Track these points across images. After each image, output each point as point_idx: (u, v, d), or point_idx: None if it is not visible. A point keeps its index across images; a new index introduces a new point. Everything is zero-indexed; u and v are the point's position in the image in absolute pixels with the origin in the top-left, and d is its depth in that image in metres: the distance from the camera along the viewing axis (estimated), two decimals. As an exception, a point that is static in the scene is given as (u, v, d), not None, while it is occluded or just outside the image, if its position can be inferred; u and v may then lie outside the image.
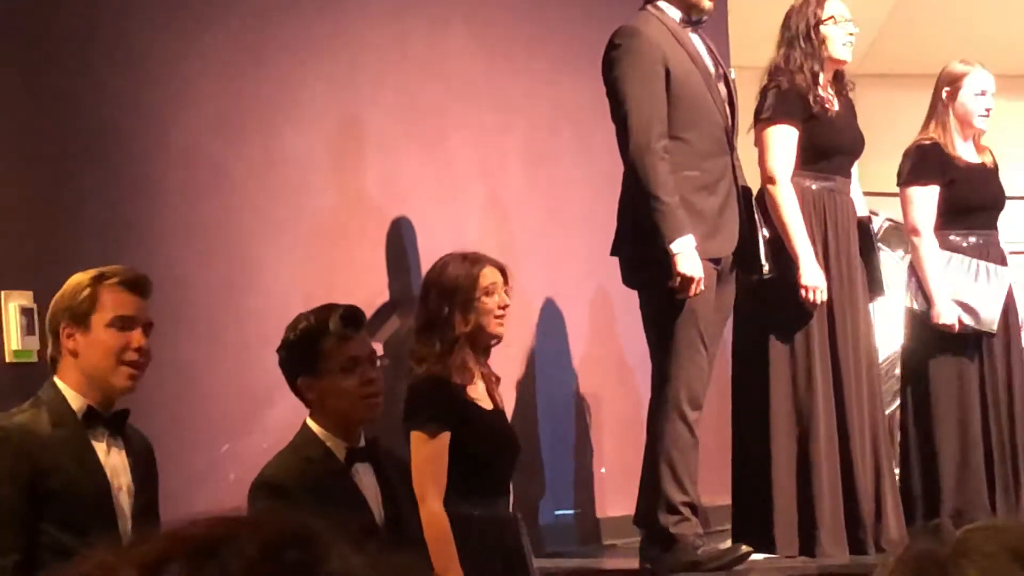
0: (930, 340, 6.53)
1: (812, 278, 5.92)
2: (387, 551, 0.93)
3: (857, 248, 6.19)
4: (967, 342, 6.53)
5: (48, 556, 3.81)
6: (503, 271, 5.26)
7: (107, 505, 3.95)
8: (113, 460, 3.99)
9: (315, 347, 4.25)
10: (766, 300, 6.00)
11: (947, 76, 6.66)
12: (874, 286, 6.27)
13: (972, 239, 6.59)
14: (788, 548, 5.95)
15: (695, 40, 5.82)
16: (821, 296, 5.94)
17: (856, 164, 6.33)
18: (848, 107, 6.27)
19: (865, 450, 6.07)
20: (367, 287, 6.04)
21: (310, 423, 4.30)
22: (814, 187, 6.12)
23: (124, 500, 3.99)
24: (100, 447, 3.98)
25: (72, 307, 3.98)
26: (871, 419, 6.13)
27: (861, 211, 6.32)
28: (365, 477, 4.29)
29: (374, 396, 4.27)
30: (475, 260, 5.24)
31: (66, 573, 0.92)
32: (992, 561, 1.18)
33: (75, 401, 3.97)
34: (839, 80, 6.25)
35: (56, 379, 4.00)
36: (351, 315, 4.30)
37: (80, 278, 4.04)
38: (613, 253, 5.80)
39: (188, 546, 0.89)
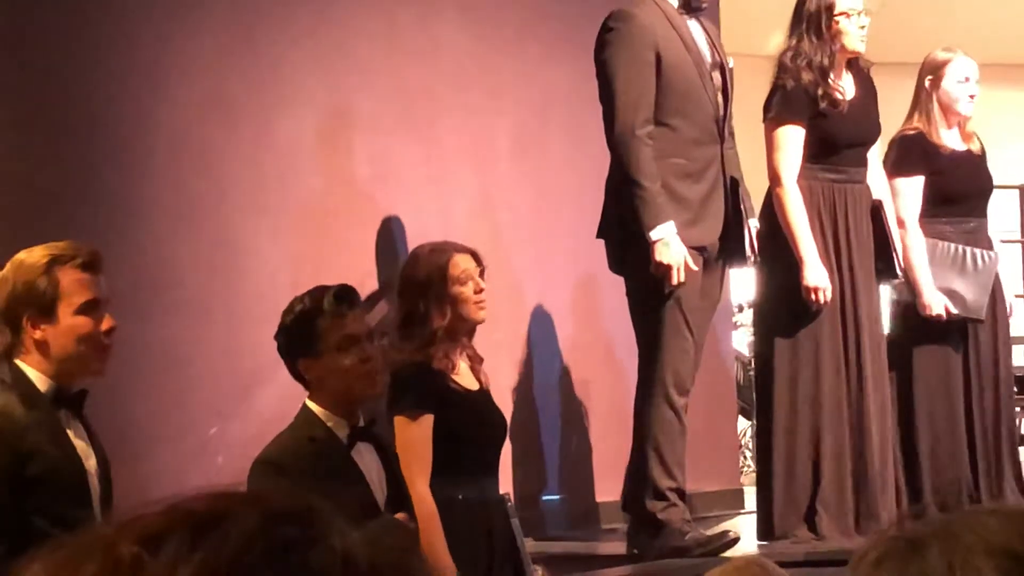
0: (915, 330, 6.54)
1: (816, 279, 5.93)
2: (385, 529, 0.93)
3: (870, 236, 6.19)
4: (952, 330, 6.54)
5: (29, 544, 3.70)
6: (475, 256, 5.25)
7: (84, 488, 3.83)
8: (79, 442, 3.86)
9: (311, 328, 4.28)
10: (775, 296, 6.08)
11: (929, 64, 6.66)
12: (889, 271, 6.26)
13: (959, 226, 6.60)
14: (785, 534, 5.98)
15: (694, 27, 5.81)
16: (824, 296, 5.95)
17: (875, 147, 6.32)
18: (866, 92, 6.24)
19: (875, 438, 6.10)
20: (356, 270, 6.03)
21: (310, 404, 4.32)
22: (824, 181, 6.12)
23: (94, 483, 3.87)
24: (68, 430, 3.84)
25: (33, 297, 3.78)
26: (880, 407, 6.14)
27: (880, 194, 6.30)
28: (367, 457, 4.32)
29: (374, 373, 4.30)
30: (442, 250, 5.22)
31: (62, 548, 0.91)
32: (960, 548, 1.17)
33: (41, 383, 3.81)
34: (853, 64, 6.23)
35: (17, 361, 3.82)
36: (344, 293, 4.34)
37: (31, 261, 3.82)
38: (599, 236, 5.80)
39: (189, 520, 0.89)
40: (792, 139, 6.04)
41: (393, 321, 5.31)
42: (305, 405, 4.33)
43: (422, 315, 5.11)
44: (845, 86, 6.16)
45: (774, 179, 6.04)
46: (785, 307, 6.06)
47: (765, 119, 6.11)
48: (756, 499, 6.26)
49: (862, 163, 6.24)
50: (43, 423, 3.78)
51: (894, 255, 6.23)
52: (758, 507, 6.19)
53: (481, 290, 5.18)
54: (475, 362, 5.22)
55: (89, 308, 3.84)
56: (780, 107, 6.06)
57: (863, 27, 6.14)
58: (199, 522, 0.89)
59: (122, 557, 0.88)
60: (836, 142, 6.11)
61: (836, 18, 6.07)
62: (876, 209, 6.24)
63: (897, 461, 6.59)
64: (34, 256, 3.84)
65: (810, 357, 6.04)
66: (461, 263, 5.17)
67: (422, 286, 5.14)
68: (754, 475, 6.60)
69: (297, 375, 4.37)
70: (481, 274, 5.22)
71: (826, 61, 6.05)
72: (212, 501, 0.91)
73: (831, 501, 5.98)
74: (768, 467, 6.06)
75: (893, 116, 6.84)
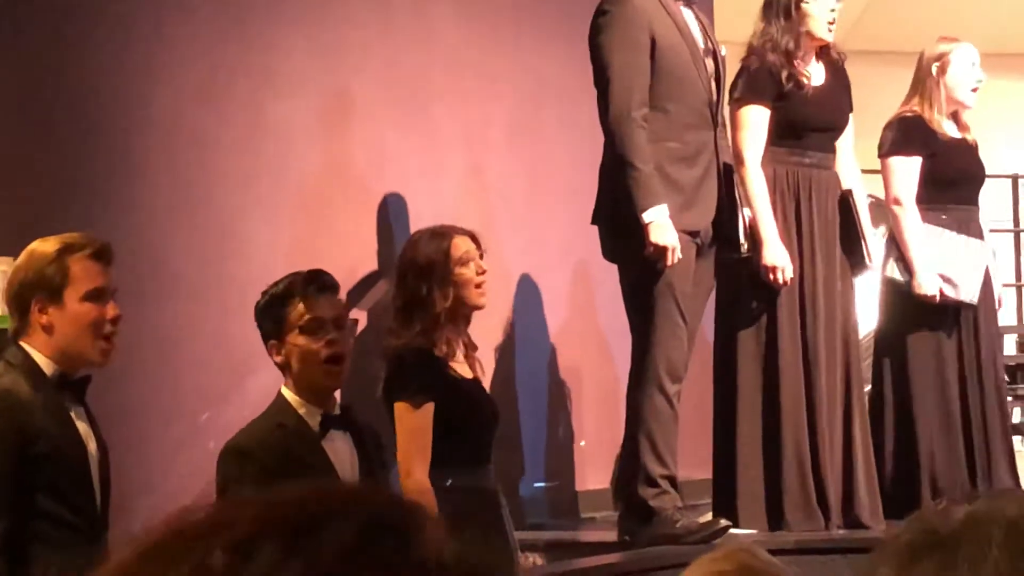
0: (908, 313, 6.54)
1: (775, 258, 5.94)
2: (480, 542, 0.92)
3: (837, 223, 6.19)
4: (946, 314, 6.55)
5: (33, 522, 3.78)
6: (475, 239, 5.24)
7: (86, 470, 3.94)
8: (81, 425, 3.97)
9: (281, 311, 4.36)
10: (740, 279, 6.04)
11: (934, 54, 6.65)
12: (856, 261, 6.26)
13: (952, 212, 6.61)
14: (753, 523, 5.98)
15: (686, 14, 5.82)
16: (785, 275, 5.95)
17: (845, 137, 6.32)
18: (837, 81, 6.26)
19: (835, 428, 6.10)
20: (350, 255, 6.03)
21: (284, 391, 4.37)
22: (789, 164, 6.13)
23: (94, 466, 3.98)
24: (71, 413, 3.95)
25: (43, 282, 3.91)
26: (846, 396, 6.15)
27: (851, 184, 6.30)
28: (340, 445, 4.32)
29: (337, 359, 4.31)
30: (443, 234, 5.21)
31: (147, 545, 0.87)
32: (988, 549, 1.17)
33: (47, 367, 3.92)
34: (826, 53, 6.24)
35: (23, 344, 3.94)
36: (316, 278, 4.41)
37: (44, 249, 3.95)
38: (593, 222, 5.80)
39: (283, 526, 0.86)
40: (756, 119, 6.06)
41: (392, 307, 5.29)
42: (279, 392, 4.38)
43: (424, 299, 5.08)
44: (813, 72, 6.18)
45: (737, 159, 6.04)
46: (746, 292, 6.06)
47: (730, 100, 6.13)
48: (714, 484, 6.19)
49: (829, 150, 6.24)
50: (48, 404, 3.89)
51: (864, 246, 6.22)
52: (718, 493, 6.14)
53: (483, 272, 5.18)
54: (470, 350, 5.21)
55: (95, 296, 3.96)
56: (744, 88, 6.10)
57: (833, 11, 6.16)
58: (294, 529, 0.86)
59: (214, 565, 0.84)
60: (801, 125, 6.13)
61: (803, 2, 6.10)
62: (845, 198, 6.24)
63: (887, 448, 6.60)
64: (47, 244, 3.98)
65: (770, 342, 6.05)
66: (462, 245, 5.17)
67: (424, 269, 5.11)
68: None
69: (270, 356, 4.43)
70: (481, 257, 5.22)
71: (792, 44, 6.08)
72: (307, 505, 0.88)
73: (794, 489, 5.99)
74: (731, 455, 6.04)
75: (884, 103, 6.84)
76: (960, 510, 1.22)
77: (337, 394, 4.49)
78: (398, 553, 0.86)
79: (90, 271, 3.95)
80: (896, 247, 6.55)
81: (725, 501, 6.04)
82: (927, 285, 6.46)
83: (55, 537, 3.80)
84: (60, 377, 3.93)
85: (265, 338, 4.41)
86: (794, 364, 6.05)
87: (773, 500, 6.00)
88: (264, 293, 4.43)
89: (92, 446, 3.98)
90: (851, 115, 6.37)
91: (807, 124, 6.14)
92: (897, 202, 6.55)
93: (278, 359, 4.37)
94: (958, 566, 1.17)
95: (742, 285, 6.05)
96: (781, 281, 5.95)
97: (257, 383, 5.41)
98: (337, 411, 4.37)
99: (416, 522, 0.89)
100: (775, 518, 6.01)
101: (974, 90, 6.63)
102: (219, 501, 0.90)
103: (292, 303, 4.34)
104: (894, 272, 6.56)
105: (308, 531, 0.85)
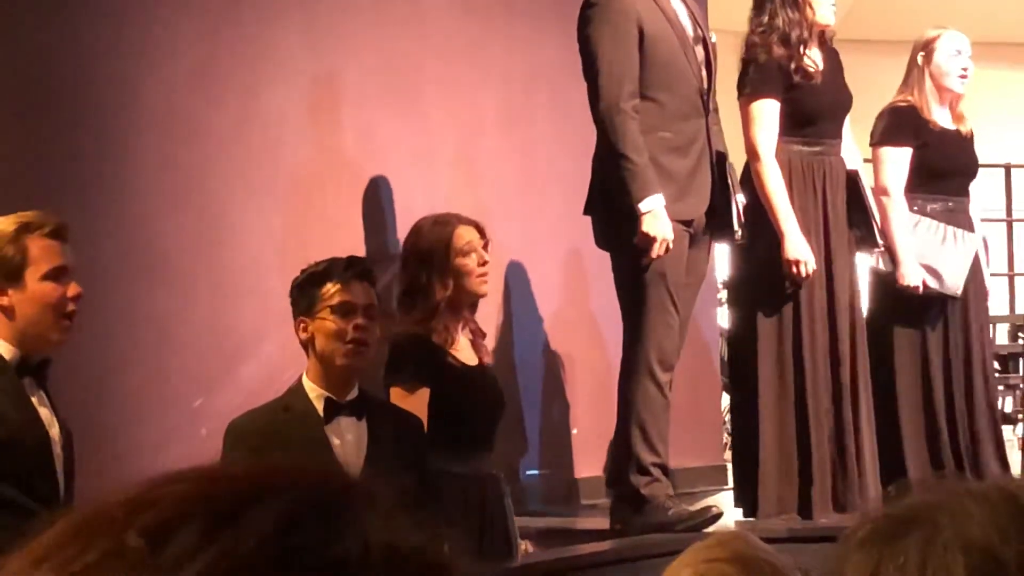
0: (894, 303, 6.56)
1: (798, 252, 5.94)
2: (427, 517, 0.85)
3: (845, 209, 6.21)
4: (930, 305, 6.56)
5: None
6: (479, 228, 5.27)
7: (47, 455, 3.86)
8: (43, 410, 3.90)
9: (315, 289, 4.43)
10: (756, 271, 6.07)
11: (921, 42, 6.69)
12: (869, 239, 6.29)
13: (942, 203, 6.62)
14: (773, 511, 6.00)
15: (675, 2, 5.82)
16: (807, 269, 5.95)
17: (848, 118, 6.34)
18: (834, 64, 6.27)
19: (849, 412, 6.13)
20: (342, 243, 6.01)
21: (304, 378, 4.42)
22: (801, 154, 6.14)
23: (57, 451, 3.90)
24: (32, 398, 3.88)
25: (2, 264, 3.84)
26: (852, 380, 6.16)
27: (852, 164, 6.33)
28: (348, 432, 4.34)
29: (359, 344, 4.36)
30: (446, 222, 5.25)
31: (71, 523, 0.84)
32: (938, 541, 1.17)
33: (7, 352, 3.85)
34: (820, 36, 6.25)
35: None
36: (354, 263, 4.50)
37: (1, 229, 3.88)
38: (586, 212, 5.80)
39: (204, 509, 0.82)
40: (768, 113, 6.06)
41: (397, 291, 5.32)
42: (300, 376, 4.40)
43: (424, 287, 5.13)
44: (816, 59, 6.19)
45: (752, 154, 6.06)
46: (766, 283, 6.06)
47: (740, 96, 6.14)
48: (735, 476, 6.25)
49: (837, 135, 6.27)
50: (6, 389, 3.83)
51: (873, 223, 6.25)
52: (739, 484, 6.19)
53: (485, 263, 5.21)
54: (477, 337, 5.25)
55: (56, 275, 3.89)
56: (754, 82, 6.09)
57: None
58: (215, 513, 0.81)
59: (126, 549, 0.80)
60: (812, 115, 6.14)
61: None
62: (852, 179, 6.27)
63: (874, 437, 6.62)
64: (3, 224, 3.91)
65: (793, 332, 6.06)
66: (465, 235, 5.20)
67: (425, 257, 5.16)
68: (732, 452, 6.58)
69: (297, 333, 4.47)
70: (485, 247, 5.24)
71: (806, 34, 6.09)
72: (236, 484, 0.84)
73: (817, 477, 6.01)
74: (752, 444, 6.06)
75: (878, 92, 6.84)
76: (919, 503, 1.22)
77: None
78: (319, 544, 0.81)
79: (49, 250, 3.89)
80: (882, 237, 6.56)
81: (746, 489, 6.07)
82: (910, 276, 6.47)
83: (14, 526, 3.60)
84: (21, 361, 3.86)
85: (295, 314, 4.47)
86: (814, 351, 6.06)
87: (803, 488, 6.02)
88: (303, 271, 4.51)
89: (55, 431, 3.90)
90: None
91: (818, 113, 6.15)
92: (885, 192, 6.56)
93: (304, 336, 4.43)
94: (942, 531, 1.17)
95: (762, 274, 6.05)
96: (804, 275, 5.95)
97: (250, 369, 5.42)
98: (352, 397, 4.39)
99: (352, 508, 0.83)
100: (804, 504, 6.02)
101: (961, 77, 6.63)
102: (149, 478, 0.85)
103: (327, 283, 4.41)
104: (880, 262, 6.58)
105: (230, 515, 0.81)
